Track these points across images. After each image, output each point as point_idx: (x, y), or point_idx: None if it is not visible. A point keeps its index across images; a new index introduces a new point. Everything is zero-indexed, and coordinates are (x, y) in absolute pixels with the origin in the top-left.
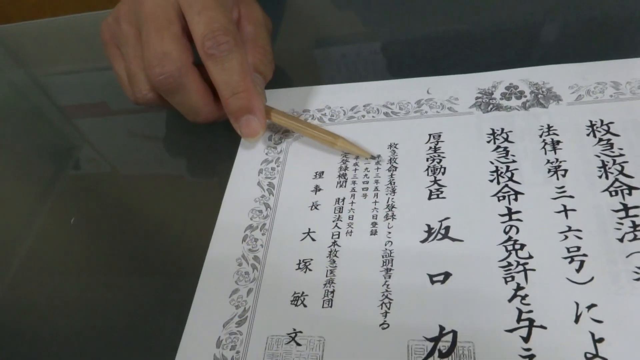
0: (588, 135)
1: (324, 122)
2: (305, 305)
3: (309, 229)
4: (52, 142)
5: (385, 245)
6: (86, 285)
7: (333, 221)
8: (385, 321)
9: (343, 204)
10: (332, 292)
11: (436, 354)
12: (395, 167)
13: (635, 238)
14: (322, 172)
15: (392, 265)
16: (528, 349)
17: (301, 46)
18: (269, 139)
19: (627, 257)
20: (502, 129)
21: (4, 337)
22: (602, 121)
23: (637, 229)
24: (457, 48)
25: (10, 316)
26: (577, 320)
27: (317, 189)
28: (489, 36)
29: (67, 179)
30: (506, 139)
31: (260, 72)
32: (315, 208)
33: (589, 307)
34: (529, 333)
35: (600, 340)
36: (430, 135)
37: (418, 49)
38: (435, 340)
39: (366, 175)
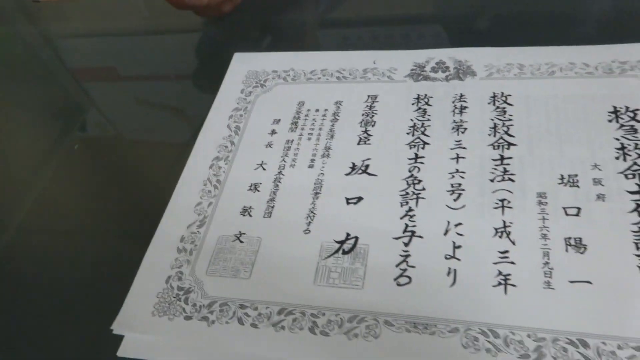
0: (489, 103)
1: (287, 81)
2: (250, 215)
3: (262, 162)
4: (61, 103)
5: (318, 176)
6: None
7: (281, 157)
8: (308, 228)
9: (291, 144)
10: (272, 207)
11: (340, 251)
12: (337, 119)
13: (502, 180)
14: (279, 120)
15: (320, 191)
16: (406, 251)
17: (272, 19)
18: (241, 92)
19: (493, 192)
20: (426, 95)
21: None
22: (502, 93)
23: (506, 173)
24: (401, 29)
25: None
26: (445, 233)
27: (273, 132)
28: (429, 20)
29: (73, 140)
30: (427, 103)
31: None
32: (270, 146)
33: (456, 225)
34: (410, 240)
35: (459, 247)
36: (369, 96)
37: (369, 27)
38: (342, 242)
39: (313, 123)
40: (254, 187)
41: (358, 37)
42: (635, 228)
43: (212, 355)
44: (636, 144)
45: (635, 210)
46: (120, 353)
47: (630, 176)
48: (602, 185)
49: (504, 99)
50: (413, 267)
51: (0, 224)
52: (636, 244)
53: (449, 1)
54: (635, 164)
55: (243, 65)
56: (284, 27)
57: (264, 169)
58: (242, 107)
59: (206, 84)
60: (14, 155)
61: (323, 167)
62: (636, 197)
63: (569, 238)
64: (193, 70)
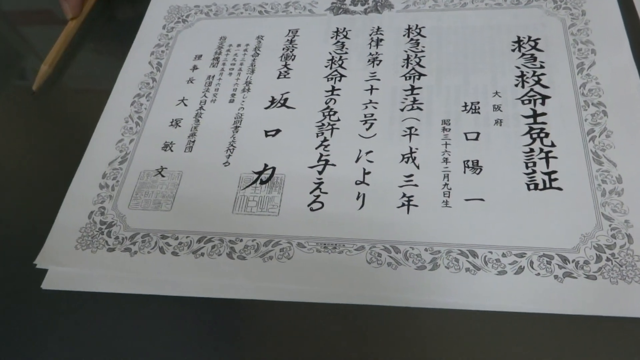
0: (404, 35)
1: (209, 16)
2: (172, 150)
3: (184, 97)
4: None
5: (238, 110)
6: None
7: (202, 92)
8: (227, 161)
9: (212, 80)
10: (193, 141)
11: (258, 182)
12: (258, 54)
13: (412, 109)
14: (201, 55)
15: (240, 124)
16: (320, 179)
17: None
18: (162, 28)
19: (403, 121)
20: (345, 28)
21: None
22: (417, 25)
23: (415, 103)
24: None
25: None
26: (357, 160)
27: (194, 67)
28: None
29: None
30: (345, 36)
31: None
32: (191, 82)
33: (367, 152)
34: (324, 169)
35: (369, 173)
36: (290, 30)
37: None
38: (260, 173)
39: (234, 59)
40: (175, 123)
41: None
42: (527, 149)
43: (134, 283)
44: (534, 72)
45: (527, 133)
46: (44, 286)
47: (527, 102)
48: (501, 111)
49: (418, 31)
50: (326, 193)
51: None
52: (526, 163)
53: None
54: (532, 90)
55: (164, 1)
56: None
57: (185, 105)
58: (164, 43)
59: (129, 20)
60: None
61: (243, 101)
62: (530, 121)
63: (468, 160)
64: (116, 5)
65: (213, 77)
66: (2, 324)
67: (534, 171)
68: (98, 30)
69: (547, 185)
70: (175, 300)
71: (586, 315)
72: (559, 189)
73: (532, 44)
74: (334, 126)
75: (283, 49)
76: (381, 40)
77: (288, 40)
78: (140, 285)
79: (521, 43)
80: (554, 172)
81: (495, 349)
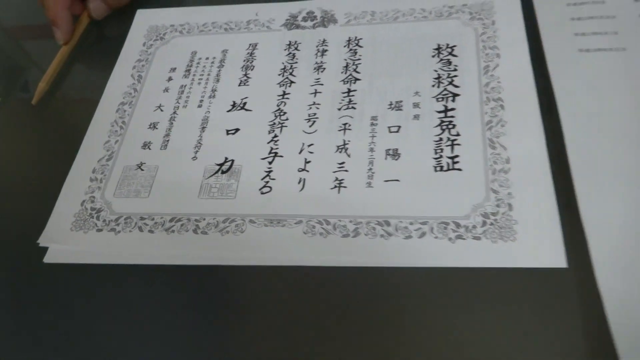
0: (344, 46)
1: (183, 33)
2: (150, 149)
3: (160, 104)
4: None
5: (205, 113)
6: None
7: (176, 99)
8: (195, 155)
9: (184, 89)
10: (168, 140)
11: (220, 172)
12: (223, 65)
13: (347, 108)
14: (175, 68)
15: (206, 125)
16: (270, 168)
17: None
18: (143, 45)
19: (339, 118)
20: (296, 41)
21: None
22: (355, 37)
23: (350, 103)
24: None
25: None
26: (300, 152)
27: (169, 79)
28: None
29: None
30: (296, 48)
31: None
32: (166, 91)
33: (309, 145)
34: (273, 160)
35: (309, 162)
36: (250, 44)
37: None
38: (221, 165)
39: (203, 70)
40: (153, 126)
41: None
42: (437, 138)
43: (119, 256)
44: (449, 74)
45: (438, 125)
46: (46, 260)
47: (440, 99)
48: (419, 108)
49: (356, 42)
50: (274, 179)
51: None
52: (435, 150)
53: None
54: (445, 89)
55: (145, 21)
56: None
57: (162, 110)
58: (144, 58)
59: (114, 38)
60: None
61: (209, 106)
62: (442, 115)
63: (389, 149)
64: (104, 26)
65: (185, 86)
66: (13, 289)
67: (441, 156)
68: (88, 48)
69: (450, 167)
70: (151, 268)
71: (472, 267)
72: (459, 169)
73: (450, 50)
74: (283, 124)
75: (244, 60)
76: (326, 50)
77: (248, 53)
78: (123, 258)
79: (440, 50)
80: (457, 156)
81: (402, 297)
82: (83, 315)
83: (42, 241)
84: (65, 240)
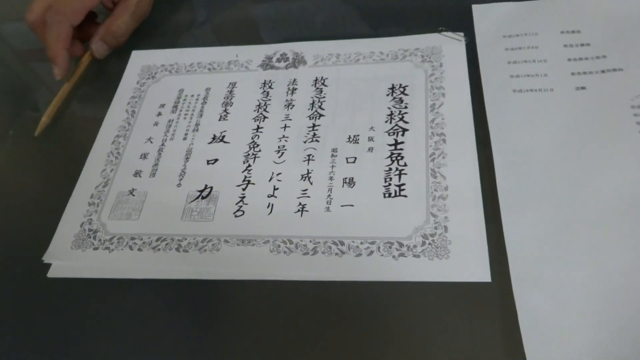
0: (312, 85)
1: (172, 73)
2: (140, 176)
3: (150, 137)
4: (7, 86)
5: (189, 145)
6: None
7: (164, 132)
8: (179, 183)
9: (172, 123)
10: (156, 169)
11: (200, 197)
12: (206, 102)
13: (312, 141)
14: (164, 104)
15: (190, 156)
16: (243, 194)
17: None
18: (137, 83)
19: (304, 150)
20: (270, 81)
21: None
22: (322, 77)
23: (315, 136)
24: (256, 29)
25: None
26: (270, 180)
27: (159, 114)
28: (278, 21)
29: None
30: (270, 87)
31: (104, 41)
32: (156, 125)
33: (278, 174)
34: (246, 187)
35: (277, 189)
36: (230, 83)
37: (232, 28)
38: (201, 191)
39: (189, 106)
40: (144, 156)
41: (226, 34)
42: (387, 168)
43: (112, 271)
44: (400, 111)
45: (389, 157)
46: (49, 275)
47: (392, 134)
48: (373, 141)
49: (322, 81)
50: (246, 204)
51: None
52: (384, 178)
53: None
54: (396, 125)
55: (139, 61)
56: (170, 29)
57: (151, 142)
58: (137, 95)
59: (112, 76)
60: None
61: (193, 138)
62: (392, 148)
63: (346, 178)
64: (102, 65)
65: (172, 120)
66: (20, 300)
67: (390, 184)
68: (88, 85)
69: (397, 194)
70: (139, 281)
71: (412, 282)
72: (405, 196)
73: (402, 89)
74: (256, 155)
75: (224, 97)
76: (295, 89)
77: (228, 90)
78: (116, 273)
79: (394, 89)
80: (403, 184)
81: (352, 306)
82: (81, 321)
83: (46, 258)
84: (67, 257)
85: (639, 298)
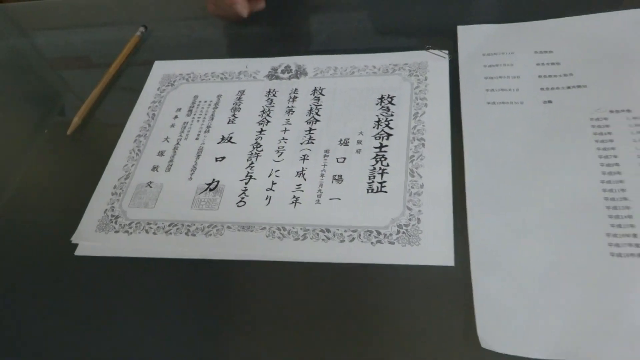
0: (311, 94)
1: (189, 81)
2: (157, 171)
3: (167, 137)
4: (41, 91)
5: (201, 145)
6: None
7: (179, 133)
8: (191, 177)
9: (186, 125)
10: (171, 165)
11: (208, 189)
12: (217, 107)
13: (308, 143)
14: (180, 108)
15: (201, 154)
16: (245, 187)
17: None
18: (157, 90)
19: (300, 151)
20: (274, 89)
21: None
22: (320, 87)
23: (310, 139)
24: (265, 43)
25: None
26: (269, 175)
27: (175, 117)
28: (284, 38)
29: (54, 123)
30: (274, 95)
31: None
32: (172, 127)
33: (276, 171)
34: (249, 181)
35: (275, 183)
36: (239, 90)
37: (244, 41)
38: (209, 184)
39: (202, 110)
40: (161, 153)
41: (237, 46)
42: (372, 168)
43: (130, 251)
44: (386, 118)
45: (374, 158)
46: (76, 253)
47: (378, 138)
48: (361, 144)
49: (320, 91)
50: (248, 196)
51: None
52: (369, 176)
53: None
54: (382, 130)
55: (160, 71)
56: (191, 43)
57: (168, 141)
58: (157, 100)
59: (136, 83)
60: (5, 134)
61: (204, 139)
62: (377, 150)
63: (335, 175)
64: (129, 73)
65: (187, 123)
66: (52, 275)
67: (373, 181)
68: (114, 91)
69: (379, 190)
70: (153, 260)
71: (387, 264)
72: (385, 192)
73: (390, 99)
74: (259, 154)
75: (233, 103)
76: (296, 97)
77: (237, 97)
78: (133, 252)
79: (383, 99)
80: (385, 182)
81: (336, 284)
82: (102, 293)
83: (74, 239)
84: (92, 239)
85: (584, 284)
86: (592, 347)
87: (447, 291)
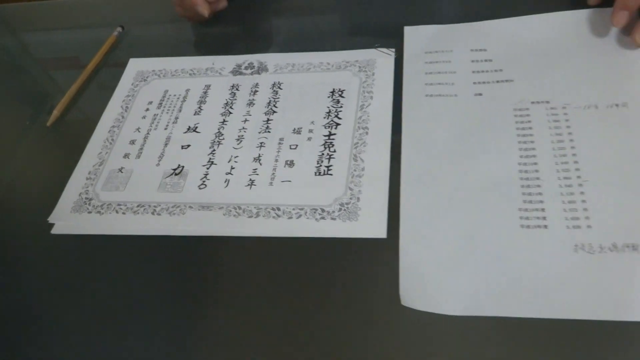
0: (270, 88)
1: (160, 77)
2: (128, 158)
3: (139, 127)
4: (31, 90)
5: (169, 134)
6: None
7: (150, 123)
8: (158, 163)
9: (156, 116)
10: (141, 152)
11: (174, 174)
12: (185, 100)
13: (265, 132)
14: (152, 102)
15: (168, 142)
16: (207, 172)
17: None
18: (131, 85)
19: (258, 139)
20: (238, 84)
21: None
22: (279, 82)
23: (267, 128)
24: (231, 42)
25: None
26: (229, 161)
27: (147, 109)
28: (248, 37)
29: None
30: (237, 89)
31: None
32: (144, 118)
33: (235, 157)
34: (210, 166)
35: (234, 168)
36: (205, 85)
37: (212, 40)
38: (175, 169)
39: (171, 103)
40: (132, 142)
41: (206, 44)
42: (320, 153)
43: (102, 229)
44: (336, 109)
45: (323, 144)
46: (53, 232)
47: (327, 127)
48: (312, 132)
49: (279, 85)
50: (209, 179)
51: None
52: (317, 161)
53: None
54: (331, 120)
55: (134, 67)
56: (164, 42)
57: (139, 131)
58: (131, 94)
59: (111, 78)
60: None
61: (172, 129)
62: (326, 138)
63: (288, 160)
64: (105, 69)
65: (157, 115)
66: (30, 252)
67: (321, 165)
68: (92, 86)
69: (325, 173)
70: (123, 237)
71: (329, 237)
72: (331, 174)
73: (340, 93)
74: (220, 142)
75: (199, 97)
76: (257, 91)
77: (204, 91)
78: (104, 230)
79: (334, 93)
80: (331, 166)
81: (285, 255)
82: (77, 267)
83: (51, 219)
84: (67, 219)
85: (495, 252)
86: (497, 304)
87: (379, 260)
